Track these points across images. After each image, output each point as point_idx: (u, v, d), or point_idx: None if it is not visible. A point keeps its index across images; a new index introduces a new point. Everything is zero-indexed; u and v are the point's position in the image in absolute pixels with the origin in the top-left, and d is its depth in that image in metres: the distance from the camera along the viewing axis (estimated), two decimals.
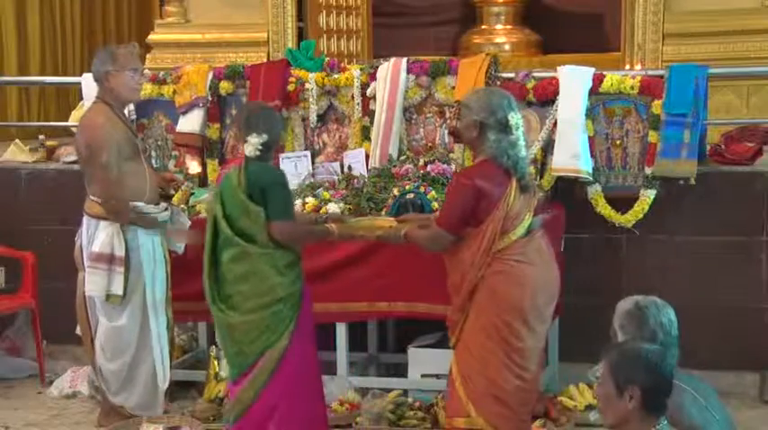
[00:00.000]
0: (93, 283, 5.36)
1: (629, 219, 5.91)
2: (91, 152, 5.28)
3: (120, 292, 5.33)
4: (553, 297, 4.54)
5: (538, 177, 6.04)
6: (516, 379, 4.41)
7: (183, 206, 6.21)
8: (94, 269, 5.33)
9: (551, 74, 6.16)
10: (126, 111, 6.52)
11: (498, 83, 6.13)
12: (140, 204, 5.39)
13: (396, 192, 5.77)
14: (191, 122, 6.52)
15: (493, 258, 4.39)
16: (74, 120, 6.74)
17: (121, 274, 5.31)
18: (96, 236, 5.36)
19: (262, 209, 4.53)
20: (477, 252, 4.39)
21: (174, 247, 5.59)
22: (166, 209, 5.56)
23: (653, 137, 5.89)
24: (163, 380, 5.50)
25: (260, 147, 4.59)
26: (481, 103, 4.48)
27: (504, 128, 4.41)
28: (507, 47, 9.47)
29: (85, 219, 5.44)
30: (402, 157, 6.17)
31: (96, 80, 5.48)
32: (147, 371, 5.48)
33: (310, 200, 5.92)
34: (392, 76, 6.26)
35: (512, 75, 6.26)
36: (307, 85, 6.38)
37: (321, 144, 6.51)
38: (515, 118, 4.44)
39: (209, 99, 6.51)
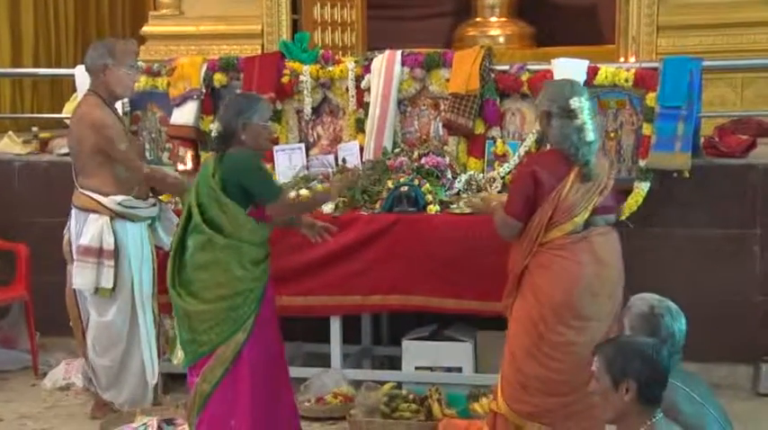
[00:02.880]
0: (81, 277, 5.37)
1: (624, 211, 5.91)
2: (106, 144, 5.35)
3: (110, 286, 5.35)
4: (607, 296, 4.39)
5: None
6: (540, 367, 4.40)
7: (176, 199, 6.20)
8: (83, 263, 5.34)
9: (546, 66, 6.15)
10: (120, 104, 6.54)
11: (492, 75, 6.13)
12: (127, 198, 5.40)
13: (390, 184, 5.77)
14: (184, 114, 6.51)
15: (538, 249, 4.41)
16: (67, 111, 6.72)
17: (111, 268, 5.32)
18: (85, 229, 5.37)
19: (231, 201, 4.44)
20: (525, 239, 4.43)
21: (162, 243, 5.58)
22: (155, 204, 5.57)
23: (647, 129, 5.89)
24: (152, 375, 5.51)
25: (214, 134, 4.54)
26: (545, 92, 4.55)
27: (568, 114, 4.41)
28: (502, 39, 9.47)
29: (74, 211, 5.45)
30: (396, 150, 6.17)
31: (91, 72, 5.47)
32: (137, 366, 5.49)
33: (304, 192, 5.92)
34: (386, 69, 6.25)
35: (506, 67, 6.26)
36: (301, 78, 6.38)
37: (315, 136, 6.50)
38: (578, 102, 4.41)
39: (203, 91, 6.49)
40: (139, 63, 6.68)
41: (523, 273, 4.47)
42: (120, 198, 5.39)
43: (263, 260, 4.56)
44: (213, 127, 4.57)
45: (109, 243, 5.33)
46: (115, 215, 5.39)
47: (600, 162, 4.52)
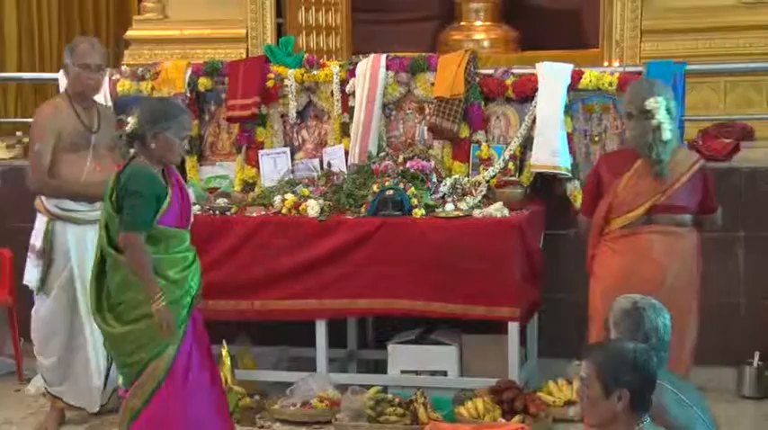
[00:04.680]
0: (27, 273, 5.50)
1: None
2: (30, 139, 5.42)
3: (32, 284, 5.45)
4: (643, 293, 4.34)
5: (517, 174, 6.07)
6: None
7: None
8: (29, 259, 5.48)
9: (530, 70, 6.17)
10: (110, 105, 6.51)
11: (477, 79, 6.14)
12: (66, 200, 5.37)
13: (375, 188, 5.77)
14: None
15: (600, 239, 4.74)
16: None
17: (37, 267, 5.41)
18: (35, 227, 5.50)
19: (117, 215, 4.31)
20: (593, 230, 4.76)
21: None
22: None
23: None
24: (97, 378, 5.48)
25: (125, 131, 4.37)
26: (626, 94, 4.79)
27: (644, 114, 4.58)
28: (486, 43, 9.46)
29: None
30: (381, 154, 6.17)
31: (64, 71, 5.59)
32: (81, 365, 5.48)
33: (290, 196, 5.92)
34: (371, 73, 6.25)
35: (491, 71, 6.28)
36: (286, 82, 6.37)
37: (300, 140, 6.50)
38: (654, 103, 4.57)
39: (188, 95, 6.48)
40: (123, 67, 6.69)
41: (592, 262, 4.79)
42: (56, 200, 5.38)
43: (186, 268, 4.39)
44: (127, 125, 4.36)
45: (38, 240, 5.40)
46: (53, 217, 5.39)
47: (679, 159, 4.66)
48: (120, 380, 4.56)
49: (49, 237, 5.39)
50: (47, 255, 5.39)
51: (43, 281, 5.42)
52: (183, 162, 6.54)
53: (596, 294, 4.73)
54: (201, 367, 4.46)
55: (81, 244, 5.37)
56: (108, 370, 5.45)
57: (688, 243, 4.73)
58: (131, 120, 4.36)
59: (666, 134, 4.57)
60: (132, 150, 4.41)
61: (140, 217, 4.27)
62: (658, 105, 4.59)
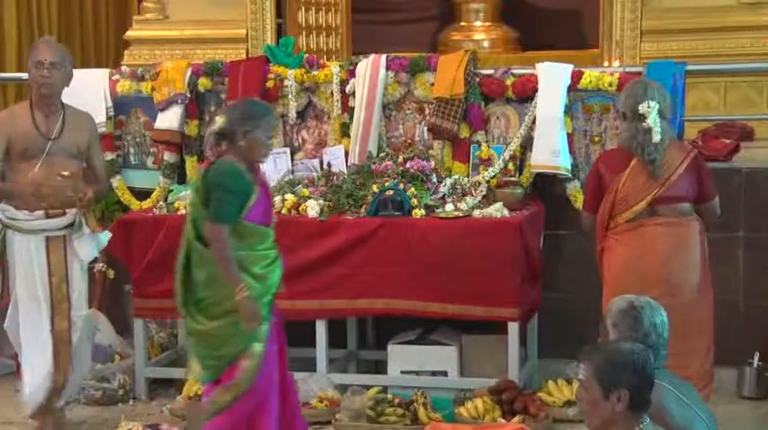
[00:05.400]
0: None
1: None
2: None
3: None
4: (649, 283, 4.62)
5: (517, 174, 6.07)
6: None
7: (161, 204, 6.19)
8: None
9: (530, 71, 6.18)
10: (104, 109, 6.47)
11: (477, 79, 6.15)
12: (7, 208, 5.14)
13: (375, 188, 5.78)
14: (169, 119, 6.50)
15: (607, 234, 4.89)
16: None
17: None
18: None
19: (205, 209, 4.37)
20: (598, 226, 4.92)
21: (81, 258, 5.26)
22: (51, 216, 5.12)
23: None
24: (27, 386, 5.23)
25: (208, 133, 4.46)
26: (622, 94, 5.01)
27: (637, 117, 4.80)
28: (486, 44, 9.47)
29: None
30: (381, 154, 6.18)
31: None
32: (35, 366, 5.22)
33: (289, 197, 5.92)
34: (371, 73, 6.25)
35: (491, 71, 6.28)
36: (286, 82, 6.38)
37: (300, 141, 6.50)
38: (647, 107, 4.78)
39: (188, 96, 6.49)
40: (123, 67, 6.69)
41: (600, 258, 4.94)
42: (4, 207, 5.17)
43: (268, 264, 4.47)
44: (214, 123, 4.45)
45: None
46: (3, 225, 5.18)
47: (672, 153, 4.85)
48: (197, 372, 4.56)
49: (3, 243, 5.17)
50: (4, 261, 5.20)
51: (2, 287, 5.26)
52: (182, 163, 6.56)
53: (607, 289, 4.82)
54: (279, 365, 4.54)
55: (24, 253, 5.12)
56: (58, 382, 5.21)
57: (692, 230, 4.87)
58: (220, 120, 4.44)
59: (656, 137, 4.77)
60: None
61: (226, 210, 4.34)
62: (650, 110, 4.78)
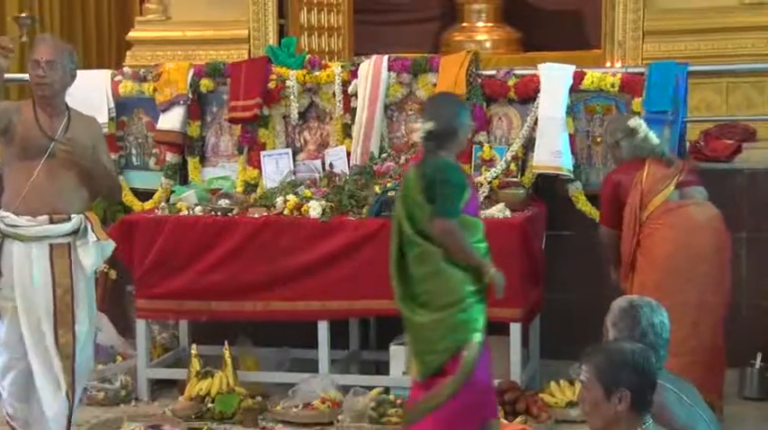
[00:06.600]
0: None
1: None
2: None
3: None
4: (699, 258, 5.04)
5: (519, 174, 6.07)
6: None
7: (163, 204, 6.19)
8: None
9: (532, 71, 6.17)
10: (107, 110, 6.44)
11: (479, 80, 6.14)
12: (6, 215, 4.71)
13: (377, 189, 5.78)
14: (171, 120, 6.50)
15: (641, 229, 5.11)
16: None
17: None
18: None
19: (427, 205, 4.42)
20: (627, 228, 5.14)
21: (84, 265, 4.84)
22: (58, 222, 4.73)
23: None
24: (48, 407, 4.74)
25: (422, 134, 4.51)
26: (606, 130, 5.56)
27: (631, 133, 5.27)
28: (488, 44, 9.47)
29: None
30: (383, 155, 6.18)
31: None
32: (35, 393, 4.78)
33: (291, 197, 5.92)
34: (373, 74, 6.25)
35: (493, 72, 6.28)
36: (288, 83, 6.37)
37: (302, 142, 6.50)
38: (635, 121, 5.31)
39: (190, 97, 6.49)
40: (125, 68, 6.68)
41: (635, 254, 5.13)
42: (3, 214, 4.74)
43: (483, 256, 4.51)
44: (422, 126, 4.50)
45: None
46: (2, 234, 4.73)
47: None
48: (415, 370, 4.56)
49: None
50: None
51: None
52: (185, 163, 6.56)
53: (659, 272, 5.03)
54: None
55: (25, 262, 4.71)
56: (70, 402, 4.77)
57: (716, 211, 5.20)
58: (429, 122, 4.49)
59: (655, 139, 5.23)
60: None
61: (452, 204, 4.42)
62: (640, 122, 5.29)
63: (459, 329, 4.41)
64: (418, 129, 4.55)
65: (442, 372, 4.42)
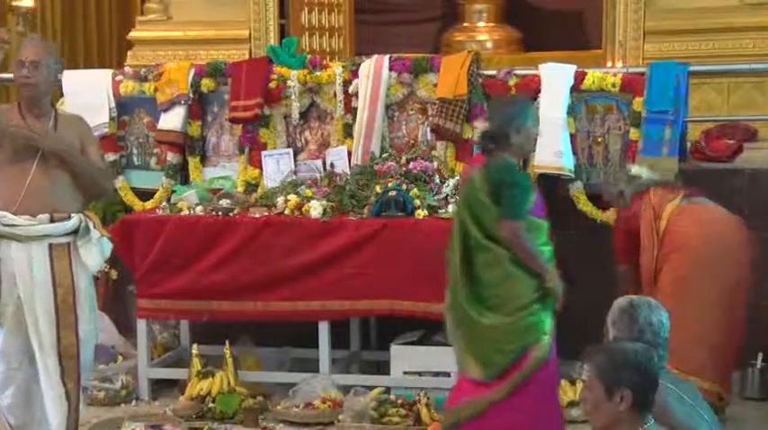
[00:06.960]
0: None
1: (610, 216, 5.93)
2: None
3: None
4: (725, 248, 5.21)
5: None
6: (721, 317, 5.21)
7: (164, 204, 6.19)
8: None
9: (533, 71, 6.17)
10: (107, 110, 6.44)
11: (480, 80, 6.14)
12: (4, 215, 4.60)
13: (378, 189, 5.78)
14: (172, 120, 6.51)
15: (660, 236, 5.23)
16: None
17: None
18: None
19: (494, 207, 4.43)
20: (647, 235, 5.25)
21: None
22: (58, 221, 4.65)
23: (634, 134, 5.92)
24: (54, 417, 4.67)
25: (479, 135, 4.52)
26: (604, 187, 5.87)
27: (634, 178, 5.46)
28: (489, 44, 9.47)
29: None
30: (384, 155, 6.18)
31: None
32: (39, 401, 4.72)
33: (292, 197, 5.92)
34: (374, 74, 6.25)
35: (494, 72, 6.28)
36: (289, 83, 6.37)
37: (303, 141, 6.50)
38: (636, 168, 5.55)
39: (191, 96, 6.49)
40: (126, 68, 6.69)
41: (658, 264, 5.21)
42: (1, 213, 4.63)
43: (549, 259, 4.52)
44: (480, 129, 4.58)
45: None
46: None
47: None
48: (478, 372, 4.53)
49: None
50: None
51: None
52: (185, 163, 6.56)
53: (693, 260, 5.16)
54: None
55: (26, 265, 4.63)
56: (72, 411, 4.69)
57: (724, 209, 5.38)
58: (489, 124, 4.54)
59: (656, 176, 5.45)
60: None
61: (520, 206, 4.43)
62: (638, 168, 5.51)
63: (529, 332, 4.44)
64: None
65: (506, 372, 4.44)
